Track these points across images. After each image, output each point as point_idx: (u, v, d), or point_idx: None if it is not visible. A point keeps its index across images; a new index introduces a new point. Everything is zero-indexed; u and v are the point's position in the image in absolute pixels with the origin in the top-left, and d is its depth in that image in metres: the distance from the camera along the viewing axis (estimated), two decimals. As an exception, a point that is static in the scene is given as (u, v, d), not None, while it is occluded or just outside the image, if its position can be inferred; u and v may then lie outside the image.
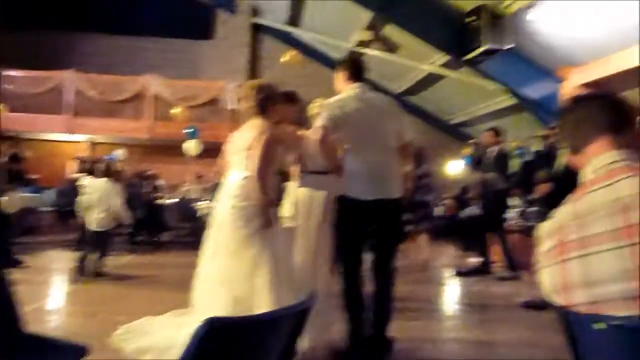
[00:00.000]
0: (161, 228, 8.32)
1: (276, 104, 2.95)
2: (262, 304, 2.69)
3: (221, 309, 2.69)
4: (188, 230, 8.32)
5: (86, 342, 1.69)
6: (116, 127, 11.35)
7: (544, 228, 1.23)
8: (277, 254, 2.86)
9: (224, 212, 2.91)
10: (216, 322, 0.93)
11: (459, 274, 5.98)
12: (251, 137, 2.88)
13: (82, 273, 5.12)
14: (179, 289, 3.41)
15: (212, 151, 11.78)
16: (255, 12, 12.90)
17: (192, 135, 10.08)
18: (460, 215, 8.96)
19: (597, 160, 1.19)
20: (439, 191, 11.27)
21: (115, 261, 5.89)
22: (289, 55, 9.58)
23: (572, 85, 7.66)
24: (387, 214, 3.04)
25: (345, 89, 3.07)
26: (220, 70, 12.66)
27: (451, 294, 5.48)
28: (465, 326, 4.06)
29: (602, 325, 1.04)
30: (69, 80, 11.30)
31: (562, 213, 1.19)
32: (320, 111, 3.01)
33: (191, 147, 10.08)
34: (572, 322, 1.20)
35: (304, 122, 4.35)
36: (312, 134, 2.97)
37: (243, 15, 12.94)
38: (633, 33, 6.14)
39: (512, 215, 7.37)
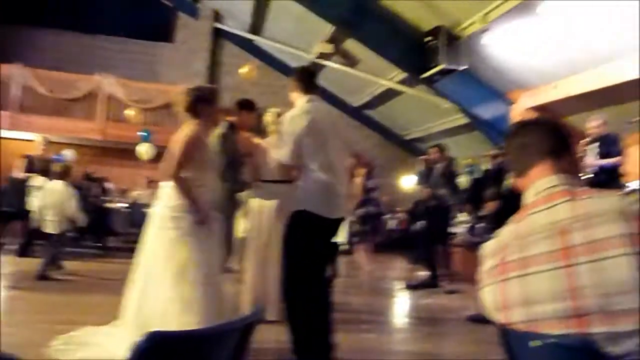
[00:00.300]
0: (108, 233, 8.03)
1: (207, 106, 2.90)
2: (188, 314, 2.60)
3: (147, 318, 2.60)
4: (137, 236, 8.06)
5: (20, 353, 1.60)
6: (66, 127, 10.90)
7: (487, 247, 1.27)
8: (208, 262, 2.78)
9: (155, 216, 2.87)
10: (157, 336, 0.90)
11: (409, 287, 6.07)
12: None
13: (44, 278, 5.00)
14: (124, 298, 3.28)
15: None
16: (217, 17, 12.80)
17: (145, 139, 9.84)
18: (411, 229, 9.13)
19: (539, 183, 1.24)
20: (388, 205, 11.46)
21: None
22: (246, 68, 9.54)
23: (521, 107, 8.01)
24: (334, 233, 3.06)
25: (300, 101, 3.00)
26: (179, 74, 12.44)
27: (401, 306, 5.55)
28: (413, 339, 4.11)
29: (538, 343, 1.08)
30: (16, 75, 10.80)
31: (505, 233, 1.24)
32: (283, 130, 2.89)
33: (144, 150, 9.84)
34: (511, 339, 1.24)
35: (261, 129, 4.36)
36: (279, 157, 2.87)
37: (205, 19, 12.81)
38: (580, 61, 6.50)
39: (461, 230, 7.58)
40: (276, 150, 2.93)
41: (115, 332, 2.82)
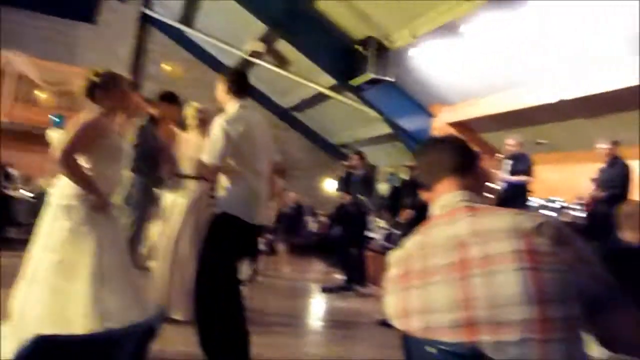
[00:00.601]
0: (9, 223, 7.42)
1: (106, 93, 2.68)
2: (79, 315, 2.40)
3: (33, 319, 2.37)
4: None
5: None
6: (-34, 105, 9.98)
7: (393, 256, 1.32)
8: (110, 255, 2.57)
9: (48, 206, 2.63)
10: (43, 340, 0.84)
11: (324, 290, 6.15)
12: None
13: None
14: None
15: (80, 143, 10.90)
16: (146, 3, 12.26)
17: (57, 124, 9.20)
18: (330, 233, 9.28)
19: (443, 198, 1.30)
20: (310, 208, 11.59)
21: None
22: (170, 66, 9.24)
23: (441, 122, 8.41)
24: (255, 238, 3.05)
25: (233, 105, 2.94)
26: (100, 58, 11.76)
27: (316, 309, 5.61)
28: (325, 342, 4.17)
29: (433, 350, 1.13)
30: None
31: (410, 243, 1.29)
32: (215, 132, 2.80)
33: (56, 136, 9.20)
34: (410, 345, 1.29)
35: (182, 123, 4.25)
36: (209, 160, 2.78)
37: (133, 4, 12.23)
38: (498, 82, 6.93)
39: (378, 236, 7.80)
40: (207, 150, 2.79)
41: (4, 333, 2.58)
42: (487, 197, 1.43)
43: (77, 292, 2.42)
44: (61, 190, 2.60)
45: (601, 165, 5.40)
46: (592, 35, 5.21)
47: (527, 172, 5.72)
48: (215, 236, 2.86)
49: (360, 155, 6.55)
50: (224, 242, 2.84)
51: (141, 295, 2.77)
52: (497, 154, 6.23)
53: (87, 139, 2.57)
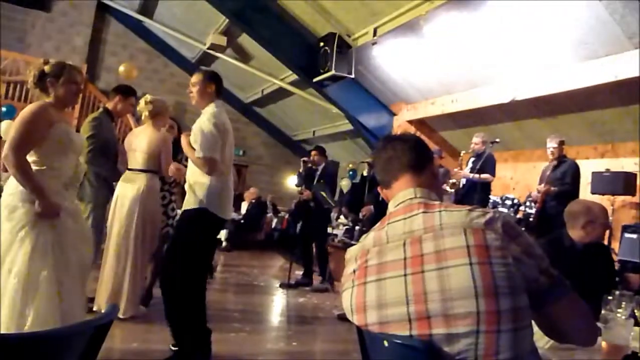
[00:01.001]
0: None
1: (56, 82, 2.57)
2: (5, 317, 2.26)
3: None
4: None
5: None
6: None
7: (350, 251, 1.34)
8: (57, 260, 2.41)
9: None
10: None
11: (283, 285, 6.16)
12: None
13: None
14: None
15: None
16: (103, -9, 11.87)
17: (7, 115, 8.80)
18: (294, 228, 9.29)
19: (399, 195, 1.33)
20: (270, 204, 11.56)
21: None
22: (124, 67, 9.02)
23: (402, 120, 8.54)
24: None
25: (212, 104, 3.06)
26: (54, 47, 11.34)
27: (275, 305, 5.61)
28: (284, 337, 4.18)
29: (386, 343, 1.16)
30: None
31: (367, 239, 1.31)
32: (205, 127, 2.91)
33: (4, 128, 8.80)
34: (366, 339, 1.32)
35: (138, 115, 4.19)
36: (210, 154, 2.87)
37: (89, -8, 11.81)
38: (457, 82, 7.10)
39: (339, 232, 7.87)
40: (205, 147, 2.88)
41: None
42: (442, 193, 1.47)
43: (5, 296, 2.28)
44: (8, 190, 2.45)
45: (547, 163, 5.61)
46: (542, 38, 5.41)
47: (491, 170, 5.88)
48: (192, 231, 2.96)
49: (320, 151, 6.57)
50: (200, 237, 2.97)
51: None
52: (462, 152, 6.39)
53: (35, 132, 2.43)
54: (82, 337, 0.99)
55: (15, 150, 2.37)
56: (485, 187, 5.93)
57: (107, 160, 3.89)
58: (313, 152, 6.56)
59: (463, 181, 6.00)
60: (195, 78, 3.12)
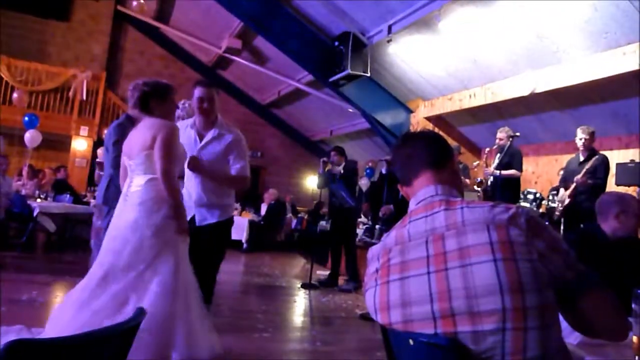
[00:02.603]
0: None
1: (161, 103, 2.73)
2: None
3: None
4: (15, 230, 7.29)
5: None
6: None
7: (372, 250, 1.33)
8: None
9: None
10: (19, 345, 0.83)
11: (305, 285, 6.17)
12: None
13: None
14: (4, 302, 2.95)
15: (52, 143, 10.70)
16: None
17: (30, 125, 9.01)
18: (315, 229, 9.30)
19: (420, 192, 1.32)
20: (290, 205, 11.58)
21: None
22: None
23: (419, 116, 8.48)
24: None
25: (222, 121, 3.23)
26: (73, 56, 11.56)
27: (298, 306, 5.63)
28: (308, 338, 4.18)
29: (411, 342, 1.15)
30: None
31: (389, 237, 1.30)
32: (243, 146, 3.22)
33: (30, 137, 9.01)
34: (391, 338, 1.31)
35: None
36: (246, 172, 3.22)
37: (106, 1, 12.02)
38: (474, 77, 7.03)
39: (359, 231, 7.84)
40: (246, 166, 3.20)
41: None
42: (463, 190, 1.45)
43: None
44: (146, 205, 2.59)
45: (572, 156, 5.47)
46: (562, 29, 5.31)
47: (517, 165, 5.74)
48: (226, 238, 3.38)
49: (340, 151, 6.56)
50: (228, 242, 3.45)
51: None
52: (486, 149, 6.27)
53: (173, 149, 2.63)
54: (113, 339, 1.01)
55: (172, 165, 2.57)
56: (514, 182, 5.79)
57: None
58: (332, 152, 6.56)
59: (490, 179, 5.89)
60: (208, 92, 3.13)
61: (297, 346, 3.93)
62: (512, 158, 5.72)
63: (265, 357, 3.43)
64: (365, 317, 4.55)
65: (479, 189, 5.90)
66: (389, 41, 6.85)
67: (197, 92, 3.12)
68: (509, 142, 5.78)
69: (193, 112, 3.76)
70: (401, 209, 4.18)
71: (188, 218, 2.93)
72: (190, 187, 3.17)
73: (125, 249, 2.51)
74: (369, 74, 7.39)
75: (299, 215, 11.41)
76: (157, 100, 2.68)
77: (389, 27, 6.82)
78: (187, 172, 3.11)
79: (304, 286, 6.17)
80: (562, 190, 5.35)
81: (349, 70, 7.22)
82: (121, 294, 2.42)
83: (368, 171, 9.70)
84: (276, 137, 13.50)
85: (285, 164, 13.62)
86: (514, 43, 5.93)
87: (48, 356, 0.88)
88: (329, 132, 11.92)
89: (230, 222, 3.31)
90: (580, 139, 5.11)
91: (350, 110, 9.15)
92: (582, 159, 5.15)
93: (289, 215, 11.12)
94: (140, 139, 2.64)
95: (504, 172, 5.67)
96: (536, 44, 5.74)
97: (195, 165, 3.07)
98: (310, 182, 13.16)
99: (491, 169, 5.79)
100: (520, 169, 5.75)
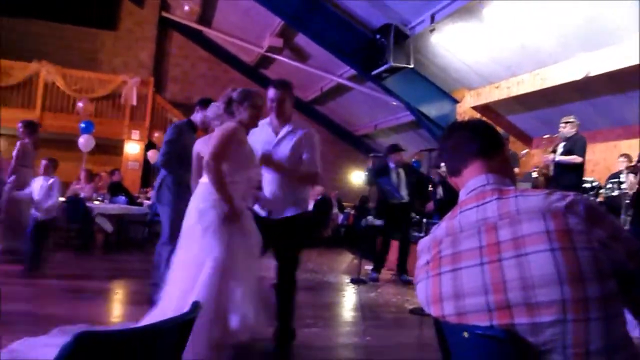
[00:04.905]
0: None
1: (241, 108, 2.96)
2: None
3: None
4: (75, 232, 7.63)
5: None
6: (2, 116, 10.30)
7: (422, 243, 1.32)
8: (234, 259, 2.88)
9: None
10: (85, 337, 0.87)
11: (353, 280, 6.17)
12: None
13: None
14: (66, 301, 3.11)
15: (106, 148, 11.17)
16: (164, 5, 12.44)
17: (86, 130, 9.44)
18: (361, 224, 9.28)
19: (470, 182, 1.29)
20: (336, 200, 11.58)
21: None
22: None
23: (465, 106, 8.29)
24: None
25: (296, 119, 3.31)
26: (122, 63, 12.02)
27: (347, 301, 5.63)
28: (357, 332, 4.18)
29: (466, 334, 1.13)
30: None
31: (439, 229, 1.28)
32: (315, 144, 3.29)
33: (84, 142, 9.45)
34: (444, 331, 1.29)
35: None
36: (318, 169, 3.27)
37: (151, 8, 12.42)
38: (521, 63, 6.80)
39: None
40: (317, 161, 3.27)
41: (58, 342, 2.64)
42: (515, 178, 1.41)
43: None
44: (199, 196, 2.86)
45: (629, 141, 5.21)
46: (614, 10, 5.05)
47: (579, 151, 5.53)
48: (305, 230, 3.38)
49: (396, 148, 6.54)
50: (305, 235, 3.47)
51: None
52: (546, 135, 6.10)
53: (229, 147, 2.81)
54: (172, 332, 1.04)
55: (214, 159, 2.76)
56: (576, 170, 5.59)
57: (181, 165, 4.03)
58: (394, 155, 6.55)
59: (552, 166, 5.71)
60: (276, 94, 3.16)
61: (346, 340, 3.94)
62: (574, 144, 5.53)
63: (315, 351, 3.45)
64: (415, 312, 4.50)
65: (542, 177, 5.76)
66: (431, 30, 6.72)
67: (268, 93, 3.21)
68: (573, 130, 5.58)
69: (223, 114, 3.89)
70: (452, 200, 4.11)
71: (264, 213, 3.18)
72: (266, 182, 3.24)
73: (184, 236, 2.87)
74: (412, 66, 7.28)
75: (345, 210, 11.40)
76: (237, 105, 2.94)
77: (432, 17, 6.69)
78: (263, 168, 3.22)
79: (353, 281, 6.17)
80: (625, 175, 5.08)
81: (392, 63, 7.14)
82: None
83: (415, 164, 9.57)
84: (320, 133, 13.35)
85: (330, 159, 13.64)
86: (564, 26, 5.69)
87: (114, 347, 0.93)
88: (373, 127, 11.84)
89: (306, 215, 3.33)
90: None
91: (394, 103, 9.05)
92: None
93: (335, 210, 11.13)
94: (212, 139, 2.93)
95: (564, 157, 5.50)
96: (588, 26, 5.48)
97: (267, 160, 3.15)
98: (355, 177, 13.12)
99: (553, 155, 5.63)
100: (581, 155, 5.53)
